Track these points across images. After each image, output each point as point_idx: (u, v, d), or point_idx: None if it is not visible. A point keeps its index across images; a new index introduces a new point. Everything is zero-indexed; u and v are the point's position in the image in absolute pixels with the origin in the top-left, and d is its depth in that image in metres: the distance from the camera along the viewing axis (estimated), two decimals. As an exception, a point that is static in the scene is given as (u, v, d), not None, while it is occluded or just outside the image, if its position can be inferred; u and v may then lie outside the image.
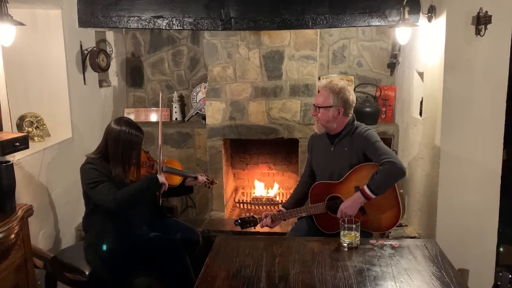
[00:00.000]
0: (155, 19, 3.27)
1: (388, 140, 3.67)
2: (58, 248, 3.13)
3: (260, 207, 3.84)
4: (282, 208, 2.76)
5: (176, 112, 4.13)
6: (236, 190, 4.20)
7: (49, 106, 3.30)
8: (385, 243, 2.27)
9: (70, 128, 3.35)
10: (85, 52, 3.47)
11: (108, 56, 3.70)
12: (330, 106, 2.56)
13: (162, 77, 4.24)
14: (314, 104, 2.64)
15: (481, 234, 2.88)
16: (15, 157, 2.68)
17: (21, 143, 2.54)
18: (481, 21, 2.59)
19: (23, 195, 2.75)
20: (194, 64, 4.19)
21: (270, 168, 4.16)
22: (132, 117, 4.15)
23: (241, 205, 3.91)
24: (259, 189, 4.04)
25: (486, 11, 2.57)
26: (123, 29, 4.09)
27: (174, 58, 4.20)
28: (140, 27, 3.31)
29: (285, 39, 3.60)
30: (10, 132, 2.65)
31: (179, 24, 3.26)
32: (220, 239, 2.37)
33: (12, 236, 2.25)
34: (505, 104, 2.76)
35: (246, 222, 2.69)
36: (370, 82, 3.98)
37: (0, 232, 2.15)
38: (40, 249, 2.70)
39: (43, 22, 3.20)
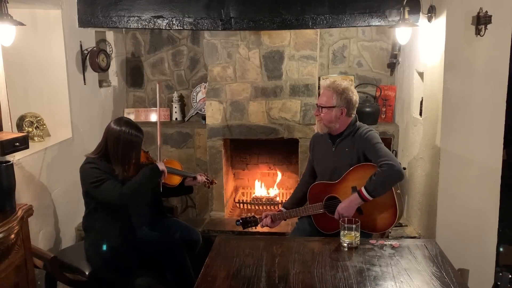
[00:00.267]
0: (155, 19, 3.27)
1: (388, 140, 3.67)
2: (58, 248, 3.13)
3: (260, 207, 3.84)
4: (282, 208, 2.76)
5: (176, 112, 4.13)
6: (236, 190, 4.20)
7: (49, 106, 3.30)
8: (385, 243, 2.27)
9: (70, 128, 3.35)
10: (85, 52, 3.47)
11: (108, 56, 3.70)
12: (333, 106, 2.55)
13: (162, 77, 4.24)
14: (317, 104, 2.64)
15: (481, 234, 2.88)
16: (15, 157, 2.68)
17: (21, 143, 2.54)
18: (481, 21, 2.59)
19: (23, 195, 2.75)
20: (194, 64, 4.19)
21: (270, 168, 4.16)
22: (132, 117, 4.15)
23: (241, 205, 3.91)
24: (259, 189, 4.04)
25: (486, 11, 2.57)
26: (123, 29, 4.09)
27: (174, 58, 4.20)
28: (140, 27, 3.31)
29: (285, 39, 3.60)
30: (10, 132, 2.65)
31: (179, 24, 3.26)
32: (220, 239, 2.37)
33: (12, 236, 2.25)
34: (505, 104, 2.76)
35: (248, 222, 2.69)
36: (370, 82, 3.98)
37: (0, 232, 2.15)
38: (40, 249, 2.70)
39: (43, 22, 3.20)
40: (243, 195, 4.10)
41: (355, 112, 2.63)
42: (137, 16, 3.27)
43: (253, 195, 4.01)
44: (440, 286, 1.87)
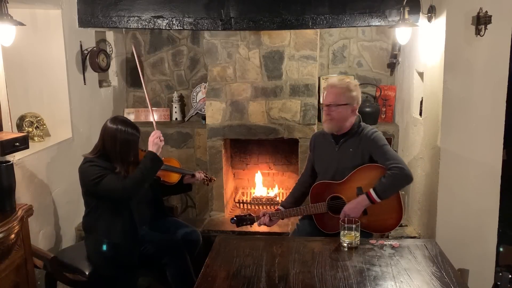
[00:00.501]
0: (155, 19, 3.27)
1: (388, 140, 3.63)
2: (58, 248, 3.13)
3: (260, 207, 3.84)
4: (280, 207, 2.75)
5: (176, 112, 4.13)
6: (236, 190, 4.20)
7: (49, 106, 3.30)
8: (385, 243, 2.27)
9: (70, 128, 3.35)
10: (85, 52, 3.47)
11: (108, 56, 3.70)
12: (346, 104, 2.56)
13: (162, 77, 4.24)
14: (325, 104, 2.58)
15: (481, 234, 2.88)
16: (15, 157, 2.68)
17: (21, 143, 2.54)
18: (481, 21, 2.59)
19: (23, 195, 2.75)
20: (194, 64, 4.19)
21: (270, 168, 4.16)
22: (132, 117, 4.15)
23: (241, 205, 3.91)
24: (259, 189, 4.04)
25: (486, 11, 2.57)
26: (123, 29, 4.09)
27: (174, 58, 4.20)
28: (140, 27, 3.31)
29: (285, 39, 3.60)
30: (10, 132, 2.65)
31: (179, 24, 3.26)
32: (220, 239, 2.37)
33: (12, 236, 2.25)
34: (505, 104, 2.76)
35: (243, 220, 2.67)
36: (370, 82, 3.98)
37: (0, 232, 2.15)
38: (40, 249, 2.70)
39: (43, 22, 3.20)
40: (243, 195, 4.10)
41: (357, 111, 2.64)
42: (137, 16, 3.27)
43: (253, 195, 4.00)
44: (440, 286, 1.87)
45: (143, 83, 2.90)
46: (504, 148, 2.85)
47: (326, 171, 2.67)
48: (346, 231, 2.22)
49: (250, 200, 3.92)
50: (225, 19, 3.20)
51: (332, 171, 2.63)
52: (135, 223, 2.64)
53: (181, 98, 4.20)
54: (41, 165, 3.01)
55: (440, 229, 2.89)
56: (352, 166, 2.56)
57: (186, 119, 4.20)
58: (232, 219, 2.69)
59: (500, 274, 1.95)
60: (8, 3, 2.40)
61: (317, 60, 3.66)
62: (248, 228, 3.55)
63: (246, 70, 3.65)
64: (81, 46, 3.43)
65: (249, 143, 4.03)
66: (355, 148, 2.58)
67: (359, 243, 2.22)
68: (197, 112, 4.17)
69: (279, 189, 4.06)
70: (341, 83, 2.60)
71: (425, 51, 3.11)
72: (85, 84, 3.52)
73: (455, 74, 2.74)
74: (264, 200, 3.88)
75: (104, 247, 2.55)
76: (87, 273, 2.56)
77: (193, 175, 2.98)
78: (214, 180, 3.22)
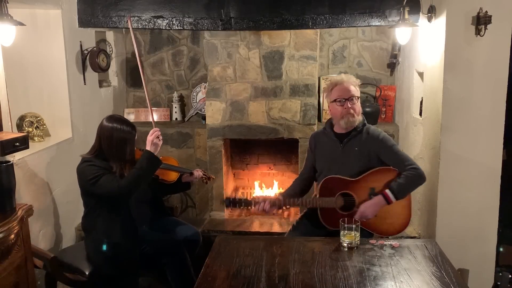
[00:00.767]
0: (155, 19, 3.27)
1: (388, 140, 3.67)
2: (58, 248, 3.13)
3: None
4: (280, 197, 2.66)
5: (176, 112, 4.13)
6: (236, 190, 4.20)
7: (49, 106, 3.30)
8: (385, 243, 2.27)
9: (70, 128, 3.35)
10: (85, 52, 3.47)
11: (108, 56, 3.70)
12: (359, 97, 2.63)
13: (162, 77, 4.24)
14: (346, 98, 2.57)
15: (481, 234, 2.88)
16: (15, 157, 2.68)
17: (21, 143, 2.54)
18: (481, 21, 2.59)
19: (23, 195, 2.75)
20: (194, 64, 4.19)
21: (270, 168, 4.16)
22: (132, 117, 4.15)
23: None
24: (259, 190, 4.04)
25: (486, 11, 2.57)
26: (123, 29, 4.08)
27: (174, 58, 4.20)
28: (140, 27, 3.31)
29: (285, 39, 3.60)
30: (10, 132, 2.65)
31: (179, 24, 3.26)
32: (220, 239, 2.37)
33: (12, 236, 2.25)
34: (505, 104, 2.76)
35: (236, 202, 2.59)
36: (370, 82, 3.98)
37: (0, 232, 2.15)
38: (40, 249, 2.70)
39: (43, 22, 3.20)
40: (243, 195, 4.10)
41: None
42: (137, 16, 3.27)
43: (253, 195, 4.00)
44: (440, 286, 1.87)
45: (143, 81, 2.88)
46: (504, 148, 2.85)
47: (329, 170, 2.66)
48: (346, 231, 2.22)
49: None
50: (225, 19, 3.20)
51: (335, 170, 2.62)
52: (134, 223, 2.64)
53: (181, 98, 4.20)
54: (41, 165, 3.01)
55: (440, 229, 2.89)
56: (357, 165, 2.56)
57: (186, 119, 4.20)
58: (225, 199, 2.60)
59: (500, 274, 1.95)
60: (8, 3, 2.40)
61: (317, 60, 3.67)
62: (248, 228, 3.56)
63: (246, 70, 3.65)
64: (81, 46, 3.43)
65: (249, 143, 4.02)
66: (361, 148, 2.58)
67: (359, 243, 2.22)
68: (197, 112, 4.17)
69: (279, 189, 4.05)
70: (351, 77, 2.66)
71: (425, 51, 3.11)
72: (85, 84, 3.52)
73: (455, 74, 2.74)
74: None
75: (104, 247, 2.55)
76: (87, 273, 2.56)
77: (191, 173, 2.98)
78: (213, 178, 3.21)
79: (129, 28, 2.80)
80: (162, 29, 3.49)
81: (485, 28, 2.61)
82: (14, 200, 2.39)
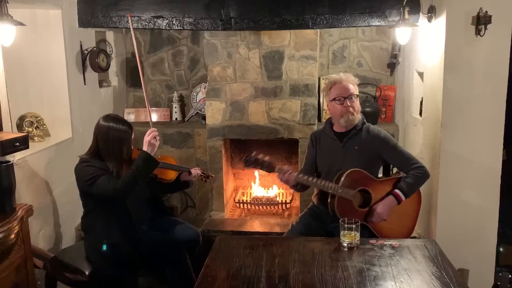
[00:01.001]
0: (155, 19, 3.27)
1: (388, 140, 3.67)
2: (58, 248, 3.13)
3: (260, 207, 3.84)
4: (301, 175, 2.61)
5: (176, 112, 4.13)
6: (236, 190, 4.20)
7: (49, 106, 3.30)
8: (385, 243, 2.27)
9: (70, 128, 3.35)
10: (85, 52, 3.47)
11: (108, 56, 3.70)
12: (358, 95, 2.66)
13: (162, 77, 4.24)
14: (345, 96, 2.58)
15: (481, 234, 2.88)
16: (15, 157, 2.68)
17: (21, 143, 2.54)
18: (481, 21, 2.59)
19: (23, 195, 2.75)
20: (194, 64, 4.19)
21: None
22: (132, 117, 4.16)
23: (241, 205, 3.90)
24: (258, 190, 4.04)
25: (486, 11, 2.57)
26: (123, 29, 4.09)
27: (174, 58, 4.20)
28: (140, 27, 3.31)
29: (285, 39, 3.60)
30: (10, 132, 2.65)
31: (179, 24, 3.26)
32: (220, 239, 2.37)
33: (12, 236, 2.25)
34: (505, 104, 2.75)
35: (257, 163, 2.51)
36: (370, 82, 3.98)
37: (0, 232, 2.15)
38: (40, 249, 2.70)
39: (43, 22, 3.20)
40: (243, 195, 4.10)
41: None
42: (137, 16, 3.27)
43: (253, 195, 4.00)
44: (440, 286, 1.87)
45: (142, 81, 2.87)
46: (504, 148, 2.85)
47: (330, 169, 2.67)
48: (346, 231, 2.22)
49: (250, 200, 3.92)
50: (225, 19, 3.20)
51: (336, 168, 2.63)
52: (133, 223, 2.64)
53: (181, 98, 4.20)
54: (41, 165, 3.01)
55: (440, 229, 2.89)
56: (358, 163, 2.57)
57: (186, 119, 4.20)
58: (245, 158, 2.52)
59: (500, 274, 1.95)
60: (8, 3, 2.40)
61: (317, 60, 3.66)
62: (248, 228, 3.56)
63: (246, 70, 3.65)
64: (81, 46, 3.43)
65: (249, 143, 4.02)
66: (361, 146, 2.60)
67: (359, 243, 2.22)
68: (197, 112, 4.16)
69: (278, 189, 4.05)
70: (350, 76, 2.69)
71: (425, 51, 3.11)
72: (85, 84, 3.52)
73: (455, 74, 2.74)
74: (264, 200, 3.88)
75: (103, 247, 2.55)
76: (87, 273, 2.56)
77: (189, 173, 2.97)
78: (212, 176, 3.21)
79: (129, 27, 2.79)
80: (162, 29, 3.49)
81: (485, 28, 2.60)
82: (14, 200, 2.40)
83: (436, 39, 2.86)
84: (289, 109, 3.57)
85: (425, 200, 3.10)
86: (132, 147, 2.67)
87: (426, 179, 2.59)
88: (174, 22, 3.26)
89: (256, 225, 3.62)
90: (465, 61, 2.72)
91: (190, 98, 4.19)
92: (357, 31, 3.93)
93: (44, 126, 3.25)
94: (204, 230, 3.48)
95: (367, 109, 3.70)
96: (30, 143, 2.73)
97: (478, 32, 2.64)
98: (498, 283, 1.97)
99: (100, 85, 3.81)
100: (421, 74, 3.25)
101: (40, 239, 2.97)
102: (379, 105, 3.85)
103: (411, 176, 2.54)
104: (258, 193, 4.01)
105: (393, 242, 2.28)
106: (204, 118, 3.90)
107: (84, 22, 3.36)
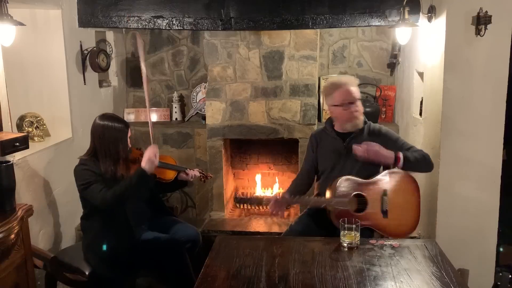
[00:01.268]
0: (155, 19, 3.27)
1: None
2: (58, 248, 3.13)
3: (260, 207, 3.84)
4: (285, 195, 2.66)
5: (176, 112, 4.13)
6: (236, 190, 4.20)
7: (49, 106, 3.30)
8: (385, 243, 2.27)
9: (70, 128, 3.35)
10: (85, 52, 3.47)
11: (108, 56, 3.70)
12: (360, 99, 2.66)
13: (162, 77, 4.24)
14: (351, 101, 2.59)
15: (481, 234, 2.88)
16: (15, 157, 2.68)
17: (21, 143, 2.54)
18: (481, 21, 2.59)
19: (23, 195, 2.75)
20: (194, 64, 4.19)
21: (270, 168, 4.16)
22: (132, 117, 4.16)
23: (241, 205, 3.90)
24: (259, 189, 4.04)
25: (486, 11, 2.57)
26: (123, 29, 4.09)
27: (174, 58, 4.20)
28: (140, 27, 3.31)
29: (285, 39, 3.60)
30: (10, 132, 2.65)
31: (179, 24, 3.26)
32: (220, 239, 2.37)
33: (12, 236, 2.25)
34: (505, 104, 2.75)
35: (246, 200, 2.67)
36: (370, 82, 3.98)
37: (0, 232, 2.15)
38: (40, 249, 2.70)
39: (43, 22, 3.20)
40: (243, 195, 4.10)
41: None
42: (137, 16, 3.27)
43: (253, 195, 4.00)
44: (440, 286, 1.87)
45: (144, 85, 2.87)
46: (504, 148, 2.85)
47: (332, 169, 2.66)
48: (346, 231, 2.21)
49: (250, 197, 3.90)
50: (225, 19, 3.20)
51: (339, 168, 2.62)
52: (130, 226, 2.63)
53: (181, 98, 4.20)
54: (41, 165, 3.01)
55: (440, 229, 2.89)
56: (361, 163, 2.56)
57: (186, 119, 4.20)
58: (236, 197, 2.62)
59: (500, 274, 1.95)
60: (8, 3, 2.40)
61: (317, 60, 3.67)
62: (248, 228, 3.56)
63: (246, 70, 3.65)
64: (81, 46, 3.43)
65: (249, 143, 4.03)
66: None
67: (359, 243, 2.22)
68: (197, 112, 4.17)
69: (279, 189, 4.05)
70: (351, 78, 2.71)
71: (425, 51, 3.11)
72: (85, 84, 3.52)
73: (455, 74, 2.74)
74: (264, 200, 3.87)
75: (100, 249, 2.55)
76: (87, 273, 2.55)
77: (187, 173, 2.95)
78: (211, 176, 3.20)
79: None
80: (162, 29, 3.49)
81: (485, 28, 2.60)
82: (14, 200, 2.39)
83: (436, 39, 2.86)
84: (289, 109, 3.57)
85: (425, 200, 3.10)
86: (130, 146, 2.67)
87: (428, 162, 2.54)
88: (174, 22, 3.26)
89: (256, 225, 3.62)
90: (465, 61, 2.72)
91: (190, 98, 4.19)
92: (357, 31, 3.93)
93: (44, 126, 3.25)
94: (204, 230, 3.48)
95: (367, 109, 3.69)
96: (30, 143, 2.73)
97: (478, 32, 2.64)
98: (498, 283, 1.96)
99: (100, 85, 3.81)
100: (421, 74, 3.25)
101: (40, 239, 2.97)
102: (379, 105, 3.85)
103: (416, 151, 2.54)
104: (258, 193, 4.01)
105: (393, 242, 2.28)
106: (204, 118, 3.90)
107: (84, 22, 3.36)
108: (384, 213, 2.51)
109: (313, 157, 2.80)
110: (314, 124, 3.56)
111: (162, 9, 3.25)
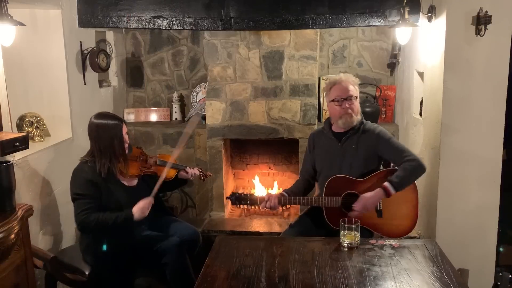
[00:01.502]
0: (155, 19, 3.27)
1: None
2: (58, 248, 3.13)
3: (260, 207, 3.83)
4: (284, 193, 2.67)
5: (176, 112, 4.13)
6: (236, 190, 4.20)
7: (49, 106, 3.30)
8: (385, 243, 2.27)
9: (70, 128, 3.35)
10: (85, 52, 3.46)
11: (108, 56, 3.69)
12: (358, 97, 2.63)
13: (162, 77, 4.24)
14: (344, 97, 2.58)
15: (481, 234, 2.88)
16: (15, 157, 2.68)
17: (21, 143, 2.54)
18: (481, 21, 2.59)
19: (23, 195, 2.74)
20: (194, 64, 4.19)
21: (270, 168, 4.16)
22: (132, 117, 4.16)
23: (241, 205, 3.90)
24: (259, 189, 4.03)
25: (486, 11, 2.57)
26: (123, 29, 4.09)
27: (174, 58, 4.20)
28: (140, 27, 3.31)
29: (285, 39, 3.60)
30: (10, 132, 2.65)
31: (179, 24, 3.26)
32: (220, 239, 2.37)
33: (12, 236, 2.25)
34: (505, 104, 2.76)
35: (241, 198, 2.62)
36: (370, 82, 3.98)
37: (0, 232, 2.15)
38: (40, 249, 2.70)
39: (43, 22, 3.20)
40: (247, 192, 4.09)
41: None
42: (137, 16, 3.27)
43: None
44: (440, 286, 1.87)
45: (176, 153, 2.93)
46: (504, 148, 2.85)
47: (328, 169, 2.66)
48: (346, 231, 2.22)
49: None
50: (225, 19, 3.20)
51: (335, 168, 2.62)
52: (129, 227, 2.63)
53: (181, 98, 4.20)
54: (41, 165, 3.01)
55: (440, 229, 2.89)
56: (356, 163, 2.57)
57: (186, 119, 4.20)
58: (229, 196, 2.62)
59: (500, 274, 1.95)
60: (8, 3, 2.40)
61: (317, 60, 3.67)
62: (248, 228, 3.56)
63: (246, 70, 3.65)
64: (81, 46, 3.43)
65: (249, 143, 4.03)
66: (359, 145, 2.59)
67: (359, 243, 2.22)
68: (197, 112, 4.16)
69: (278, 189, 4.05)
70: (350, 76, 2.67)
71: (425, 51, 3.11)
72: (85, 84, 3.51)
73: (455, 74, 2.74)
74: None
75: (97, 251, 2.56)
76: (87, 273, 2.55)
77: (186, 172, 2.96)
78: (210, 175, 3.20)
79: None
80: (162, 29, 3.49)
81: (485, 28, 2.60)
82: (14, 200, 2.39)
83: (436, 39, 2.86)
84: (289, 109, 3.57)
85: (425, 200, 3.10)
86: (129, 143, 2.67)
87: (419, 171, 2.48)
88: (174, 22, 3.26)
89: (256, 225, 3.63)
90: (465, 61, 2.72)
91: (190, 98, 4.18)
92: (357, 31, 3.93)
93: (44, 126, 3.25)
94: (204, 230, 3.48)
95: (367, 109, 3.71)
96: (30, 143, 2.73)
97: (478, 32, 2.64)
98: (498, 283, 1.97)
99: (100, 85, 3.81)
100: (421, 74, 3.25)
101: (40, 239, 2.97)
102: (379, 105, 3.85)
103: (402, 168, 2.45)
104: (258, 193, 4.01)
105: (393, 242, 2.28)
106: (204, 118, 3.90)
107: (84, 22, 3.35)
108: (379, 212, 2.51)
109: (310, 159, 2.80)
110: (314, 124, 3.56)
111: (162, 9, 3.24)
